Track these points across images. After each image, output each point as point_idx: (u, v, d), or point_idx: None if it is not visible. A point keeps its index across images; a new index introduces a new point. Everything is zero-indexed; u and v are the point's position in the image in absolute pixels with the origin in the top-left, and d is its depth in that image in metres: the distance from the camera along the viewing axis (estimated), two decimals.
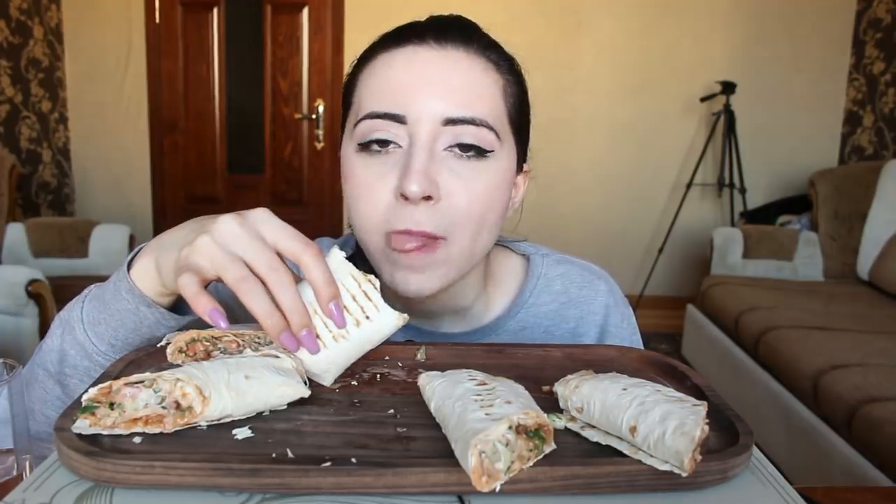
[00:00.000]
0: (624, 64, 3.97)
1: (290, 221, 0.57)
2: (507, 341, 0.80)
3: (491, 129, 0.67)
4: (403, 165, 0.65)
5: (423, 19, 0.71)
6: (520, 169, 0.75)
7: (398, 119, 0.65)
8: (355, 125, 0.68)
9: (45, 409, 0.67)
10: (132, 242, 3.17)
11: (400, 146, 0.66)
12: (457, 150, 0.66)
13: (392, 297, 0.79)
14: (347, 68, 0.75)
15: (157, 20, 3.95)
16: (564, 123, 3.99)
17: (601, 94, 4.00)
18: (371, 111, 0.67)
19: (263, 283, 0.53)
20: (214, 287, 0.56)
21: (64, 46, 3.91)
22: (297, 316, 0.53)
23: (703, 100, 3.83)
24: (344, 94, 0.74)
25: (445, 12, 0.72)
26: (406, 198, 0.64)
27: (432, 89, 0.65)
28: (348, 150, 0.70)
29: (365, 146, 0.67)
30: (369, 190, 0.67)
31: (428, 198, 0.64)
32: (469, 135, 0.66)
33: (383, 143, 0.66)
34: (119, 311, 0.62)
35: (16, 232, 3.08)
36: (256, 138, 4.09)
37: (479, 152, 0.66)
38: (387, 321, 0.57)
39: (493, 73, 0.69)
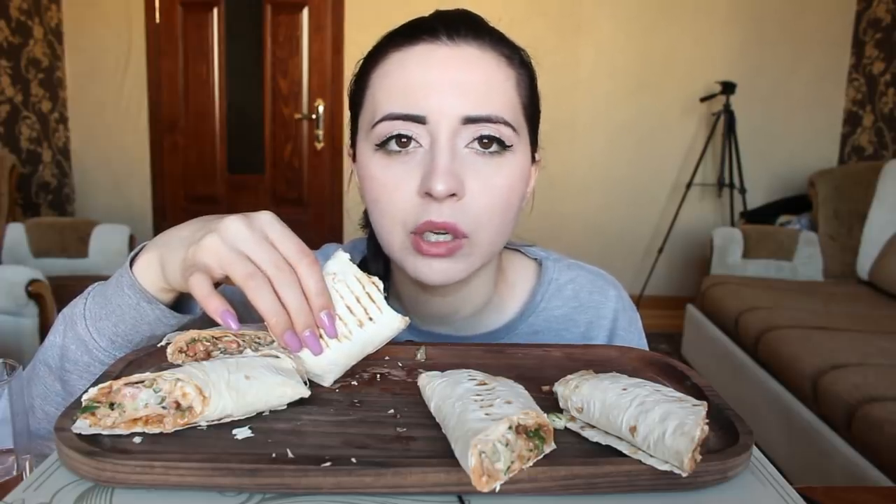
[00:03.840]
0: (624, 64, 3.97)
1: (289, 221, 0.58)
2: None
3: (508, 124, 0.67)
4: (427, 165, 0.65)
5: (427, 15, 0.71)
6: (532, 159, 0.75)
7: (418, 120, 0.65)
8: (373, 126, 0.68)
9: (45, 405, 0.68)
10: (132, 242, 3.17)
11: (420, 145, 0.66)
12: (477, 145, 0.66)
13: (405, 299, 0.79)
14: (354, 67, 0.74)
15: (157, 20, 3.95)
16: (565, 124, 3.99)
17: (601, 95, 4.00)
18: (390, 112, 0.66)
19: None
20: (220, 291, 0.56)
21: (64, 46, 3.91)
22: (302, 316, 0.53)
23: (702, 100, 3.83)
24: (353, 93, 0.74)
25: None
26: (431, 196, 0.64)
27: (450, 88, 0.65)
28: (365, 152, 0.69)
29: (383, 145, 0.67)
30: (391, 190, 0.67)
31: (453, 195, 0.65)
32: (489, 131, 0.66)
33: (403, 141, 0.66)
34: (120, 306, 0.63)
35: (16, 232, 3.08)
36: (256, 138, 4.09)
37: (500, 145, 0.67)
38: (389, 323, 0.57)
39: (506, 67, 0.69)
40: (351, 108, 0.75)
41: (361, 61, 0.73)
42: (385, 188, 0.67)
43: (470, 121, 0.65)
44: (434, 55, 0.67)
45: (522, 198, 0.72)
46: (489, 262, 0.77)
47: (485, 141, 0.66)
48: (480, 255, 0.69)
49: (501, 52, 0.69)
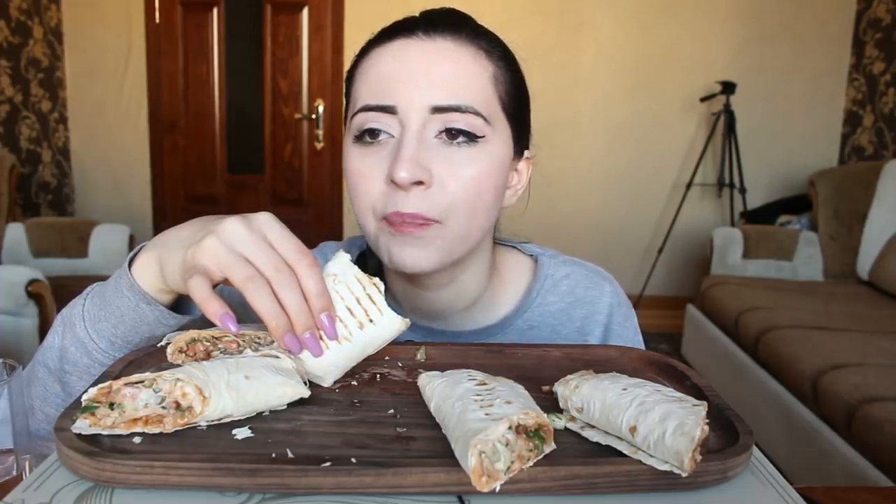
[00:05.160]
0: (624, 63, 3.97)
1: (289, 221, 0.58)
2: (514, 340, 0.81)
3: (478, 114, 0.67)
4: (394, 153, 0.66)
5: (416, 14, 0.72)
6: (521, 155, 0.75)
7: (388, 110, 0.67)
8: (351, 118, 0.70)
9: (44, 406, 0.68)
10: (132, 242, 3.17)
11: (392, 136, 0.68)
12: (445, 136, 0.67)
13: (399, 294, 0.80)
14: (348, 65, 0.76)
15: (157, 20, 3.95)
16: (564, 123, 3.99)
17: (601, 94, 4.00)
18: (364, 104, 0.69)
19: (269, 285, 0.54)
20: (219, 291, 0.56)
21: (64, 46, 3.91)
22: (302, 317, 0.53)
23: (703, 100, 3.82)
24: (345, 90, 0.76)
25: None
26: (397, 184, 0.65)
27: (420, 79, 0.67)
28: (346, 144, 0.72)
29: (359, 137, 0.69)
30: (364, 178, 0.69)
31: (419, 183, 0.65)
32: (457, 122, 0.67)
33: (374, 133, 0.68)
34: (119, 307, 0.63)
35: (16, 232, 3.08)
36: (256, 138, 4.09)
37: (470, 137, 0.67)
38: (390, 325, 0.57)
39: (483, 60, 0.70)
40: (344, 106, 0.77)
41: (353, 59, 0.75)
42: (359, 177, 0.69)
43: (439, 110, 0.66)
44: (408, 49, 0.68)
45: (500, 192, 0.72)
46: (480, 257, 0.77)
47: (453, 132, 0.67)
48: (453, 243, 0.69)
49: (479, 45, 0.70)
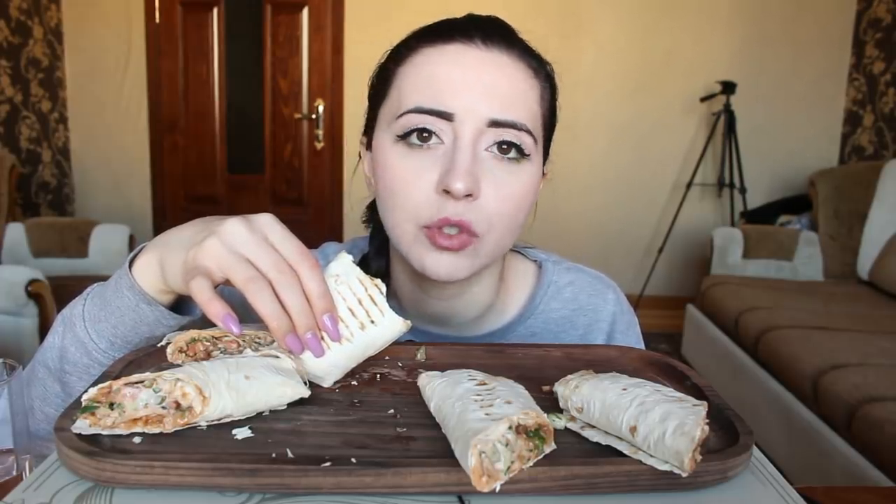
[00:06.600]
0: (624, 64, 3.97)
1: (289, 221, 0.58)
2: None
3: (530, 133, 0.68)
4: (448, 162, 0.65)
5: (460, 17, 0.72)
6: (543, 173, 0.76)
7: (445, 116, 0.66)
8: (397, 118, 0.68)
9: (44, 406, 0.68)
10: (132, 242, 3.17)
11: (442, 142, 0.67)
12: (496, 150, 0.67)
13: (405, 298, 0.80)
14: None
15: (157, 20, 3.95)
16: (565, 124, 3.90)
17: (601, 95, 4.00)
18: (418, 106, 0.67)
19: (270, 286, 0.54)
20: (219, 291, 0.56)
21: (64, 46, 3.91)
22: (304, 318, 0.53)
23: (703, 100, 3.82)
24: (375, 83, 0.74)
25: (458, 13, 0.73)
26: (448, 193, 0.64)
27: (479, 89, 0.66)
28: (385, 142, 0.69)
29: (405, 137, 0.67)
30: (408, 182, 0.67)
31: (469, 195, 0.65)
32: (511, 138, 0.67)
33: (425, 135, 0.66)
34: (119, 307, 0.63)
35: (16, 232, 3.08)
36: (256, 138, 4.09)
37: (520, 154, 0.68)
38: (391, 326, 0.57)
39: (532, 78, 0.71)
40: (370, 99, 0.75)
41: (387, 53, 0.73)
42: (402, 180, 0.67)
43: (495, 124, 0.66)
44: (466, 56, 0.67)
45: (531, 209, 0.73)
46: (493, 267, 0.77)
47: (504, 147, 0.67)
48: (486, 255, 0.70)
49: (529, 63, 0.71)
